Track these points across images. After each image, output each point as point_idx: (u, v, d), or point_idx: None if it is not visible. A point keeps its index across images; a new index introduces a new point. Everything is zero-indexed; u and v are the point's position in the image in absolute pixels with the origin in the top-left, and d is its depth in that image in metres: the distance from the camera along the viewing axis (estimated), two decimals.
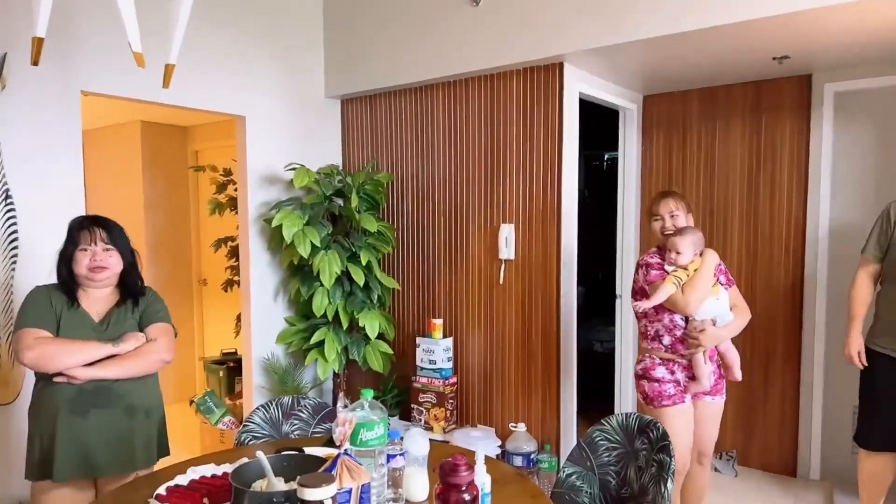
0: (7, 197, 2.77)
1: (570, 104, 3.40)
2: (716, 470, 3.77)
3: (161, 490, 1.66)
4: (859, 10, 2.50)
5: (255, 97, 3.76)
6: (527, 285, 3.49)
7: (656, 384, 2.61)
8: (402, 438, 1.67)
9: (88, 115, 3.23)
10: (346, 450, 1.43)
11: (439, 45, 3.61)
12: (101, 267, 2.12)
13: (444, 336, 3.74)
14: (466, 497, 1.33)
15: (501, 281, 3.57)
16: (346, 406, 1.57)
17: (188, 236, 5.48)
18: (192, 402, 4.15)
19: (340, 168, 4.11)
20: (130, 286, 2.23)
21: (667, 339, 2.63)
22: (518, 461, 3.31)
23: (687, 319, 2.59)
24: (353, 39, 3.99)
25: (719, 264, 2.65)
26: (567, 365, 3.45)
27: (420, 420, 3.69)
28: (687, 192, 3.98)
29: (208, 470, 1.79)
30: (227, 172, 4.44)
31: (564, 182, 3.37)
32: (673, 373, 2.62)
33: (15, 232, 2.79)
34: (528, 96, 3.45)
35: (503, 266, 3.57)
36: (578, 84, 3.46)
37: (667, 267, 2.59)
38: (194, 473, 1.77)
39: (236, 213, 4.04)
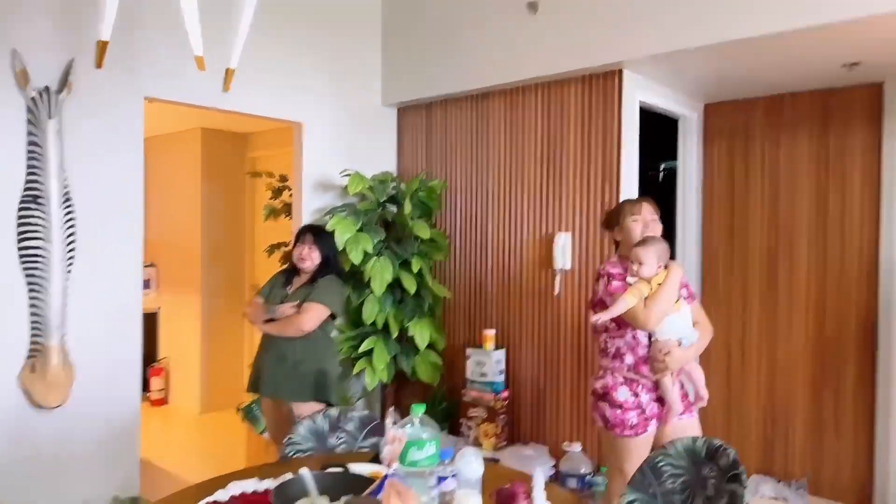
0: (67, 200, 2.81)
1: (630, 112, 3.29)
2: (785, 500, 3.55)
3: None
4: None
5: (312, 104, 3.77)
6: (584, 296, 3.37)
7: (618, 410, 2.38)
8: (453, 459, 1.60)
9: (151, 123, 3.30)
10: (394, 471, 1.36)
11: (497, 53, 3.54)
12: (302, 258, 3.06)
13: (497, 347, 3.65)
14: None
15: (557, 291, 3.47)
16: (395, 422, 1.50)
17: (242, 242, 5.54)
18: (238, 409, 4.16)
19: (395, 175, 4.08)
20: (317, 274, 3.06)
21: (629, 358, 2.40)
22: (572, 483, 3.19)
23: (650, 338, 2.38)
24: (411, 48, 3.96)
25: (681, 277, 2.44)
26: None
27: (469, 436, 3.60)
28: (750, 205, 3.80)
29: (250, 485, 1.73)
30: (283, 178, 4.47)
31: (623, 191, 3.24)
32: (636, 395, 2.39)
33: (73, 234, 2.84)
34: (587, 104, 3.35)
35: (558, 276, 3.46)
36: (638, 92, 3.34)
37: (628, 279, 2.36)
38: (236, 489, 1.71)
39: (290, 218, 4.05)
